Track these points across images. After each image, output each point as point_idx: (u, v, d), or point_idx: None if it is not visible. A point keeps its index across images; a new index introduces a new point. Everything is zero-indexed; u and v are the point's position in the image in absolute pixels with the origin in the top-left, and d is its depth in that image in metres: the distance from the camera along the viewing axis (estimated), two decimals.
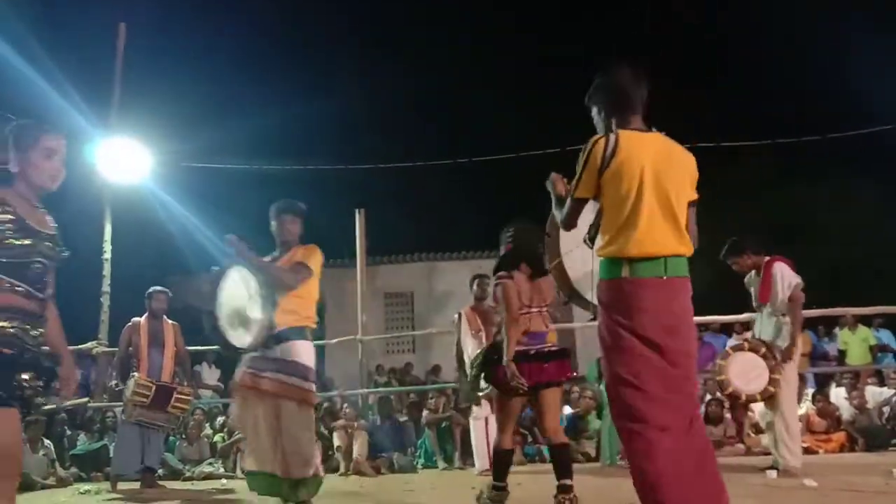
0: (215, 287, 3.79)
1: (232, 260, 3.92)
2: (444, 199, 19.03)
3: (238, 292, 3.86)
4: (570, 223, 2.72)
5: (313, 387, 4.02)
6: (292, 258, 4.09)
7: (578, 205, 2.66)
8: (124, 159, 10.00)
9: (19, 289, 2.44)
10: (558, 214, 2.78)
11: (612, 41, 22.37)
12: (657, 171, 2.53)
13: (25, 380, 2.38)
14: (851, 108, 13.31)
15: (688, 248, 2.58)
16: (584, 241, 2.75)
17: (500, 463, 4.07)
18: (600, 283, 2.62)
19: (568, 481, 3.76)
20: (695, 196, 2.67)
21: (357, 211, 8.73)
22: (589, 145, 2.59)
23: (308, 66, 27.23)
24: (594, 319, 2.73)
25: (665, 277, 2.50)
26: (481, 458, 6.23)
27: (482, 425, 6.22)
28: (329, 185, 15.02)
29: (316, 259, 4.11)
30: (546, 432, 4.02)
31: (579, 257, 3.05)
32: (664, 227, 2.53)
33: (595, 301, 2.67)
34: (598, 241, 2.64)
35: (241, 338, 3.83)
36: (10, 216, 2.43)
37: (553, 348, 4.01)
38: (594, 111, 2.75)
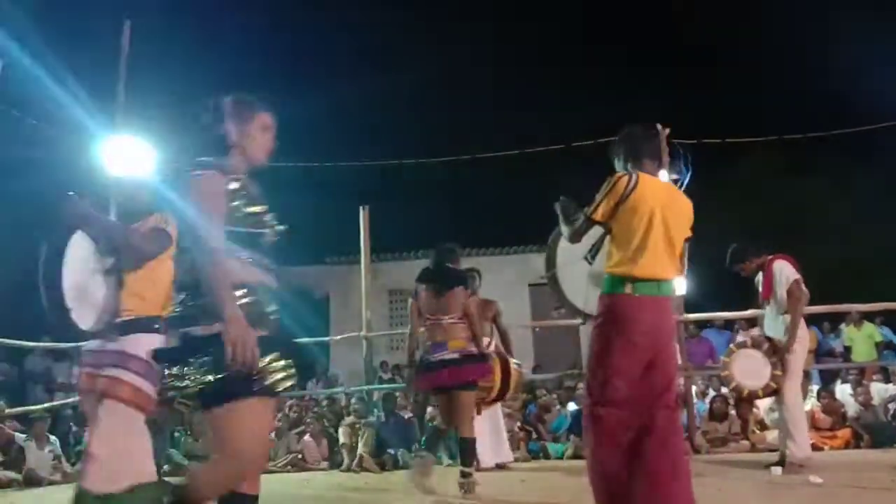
0: (56, 252, 3.11)
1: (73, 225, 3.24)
2: (448, 196, 19.04)
3: (83, 265, 3.25)
4: (577, 238, 3.20)
5: (151, 389, 3.21)
6: (145, 224, 3.46)
7: (590, 225, 3.13)
8: (129, 156, 10.02)
9: (252, 261, 2.27)
10: (566, 229, 3.23)
11: (615, 40, 22.36)
12: (663, 210, 3.03)
13: (275, 361, 2.19)
14: (856, 105, 13.24)
15: (678, 274, 3.19)
16: (585, 258, 3.24)
17: (465, 451, 4.56)
18: (603, 296, 3.05)
19: (468, 469, 4.52)
20: (690, 234, 3.21)
21: (361, 208, 8.73)
22: (613, 179, 3.06)
23: (312, 63, 27.26)
24: (583, 323, 3.27)
25: (659, 296, 3.01)
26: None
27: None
28: (333, 182, 15.02)
29: (174, 228, 3.36)
30: (455, 428, 4.62)
31: (578, 271, 3.59)
32: (664, 257, 3.03)
33: (585, 309, 3.23)
34: (608, 261, 3.08)
35: (86, 318, 3.20)
36: (238, 184, 2.28)
37: (448, 356, 4.46)
38: (615, 160, 3.24)
